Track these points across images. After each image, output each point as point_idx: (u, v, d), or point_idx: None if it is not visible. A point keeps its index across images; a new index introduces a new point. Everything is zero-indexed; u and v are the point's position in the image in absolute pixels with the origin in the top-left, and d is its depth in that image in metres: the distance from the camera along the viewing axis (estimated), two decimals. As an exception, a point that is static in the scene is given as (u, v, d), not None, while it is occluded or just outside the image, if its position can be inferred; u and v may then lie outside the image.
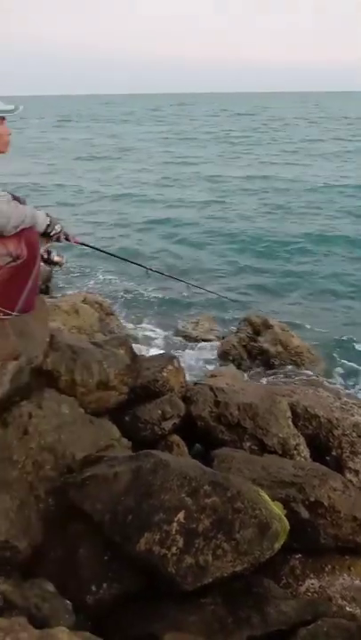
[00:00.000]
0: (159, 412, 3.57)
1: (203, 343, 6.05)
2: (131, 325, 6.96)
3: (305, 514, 2.73)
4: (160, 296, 8.26)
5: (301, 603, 2.23)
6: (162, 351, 6.02)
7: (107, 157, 27.56)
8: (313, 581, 2.64)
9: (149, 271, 4.04)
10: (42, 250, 2.83)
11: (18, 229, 2.49)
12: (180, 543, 2.22)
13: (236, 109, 77.16)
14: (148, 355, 5.42)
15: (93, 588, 2.30)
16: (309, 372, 5.29)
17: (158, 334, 6.72)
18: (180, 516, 2.28)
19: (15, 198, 2.96)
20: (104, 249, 4.05)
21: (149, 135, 38.18)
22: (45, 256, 2.89)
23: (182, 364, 4.38)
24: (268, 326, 5.53)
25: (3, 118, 2.61)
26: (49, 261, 2.93)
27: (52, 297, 6.84)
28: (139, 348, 5.53)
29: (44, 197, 16.72)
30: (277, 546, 2.28)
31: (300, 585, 2.61)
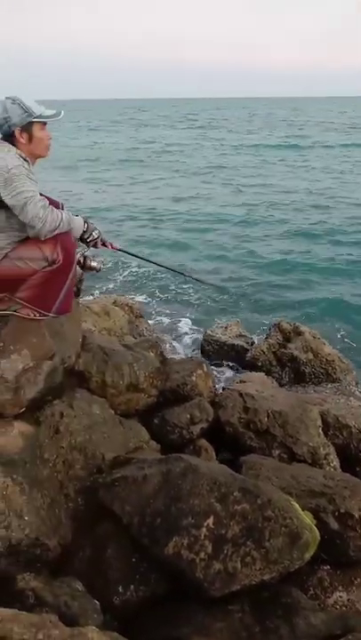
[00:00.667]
0: (188, 415, 3.57)
1: (232, 348, 6.02)
2: (160, 329, 6.99)
3: (334, 525, 2.68)
4: (190, 300, 8.27)
5: (331, 616, 2.19)
6: (191, 355, 6.03)
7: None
8: (341, 594, 2.59)
9: (187, 278, 4.03)
10: (78, 255, 2.86)
11: (53, 234, 2.52)
12: (209, 549, 2.21)
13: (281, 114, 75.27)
14: (177, 358, 5.43)
15: (120, 589, 2.31)
16: (340, 381, 5.21)
17: (187, 338, 6.73)
18: (210, 521, 2.27)
19: (52, 203, 3.02)
20: (141, 255, 4.07)
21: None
22: (82, 261, 2.92)
23: (211, 369, 4.38)
24: (298, 333, 5.47)
25: (44, 123, 2.66)
26: (85, 266, 2.96)
27: (82, 299, 6.92)
28: (168, 352, 5.55)
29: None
30: (308, 556, 2.25)
31: (328, 597, 2.57)
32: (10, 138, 2.59)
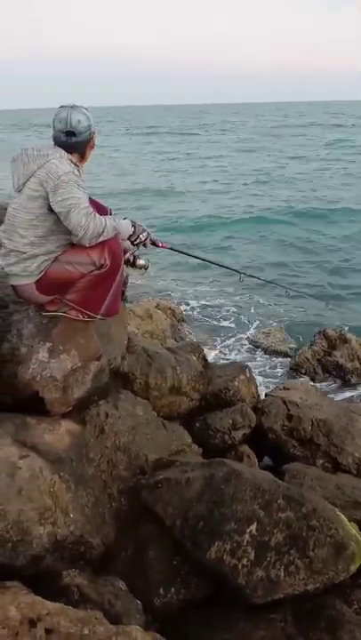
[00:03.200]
0: (230, 421, 3.56)
1: (275, 354, 5.96)
2: (202, 332, 6.99)
3: (380, 538, 2.61)
4: (232, 304, 8.22)
5: (377, 631, 2.12)
6: (234, 360, 6.01)
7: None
8: (386, 610, 2.51)
9: (243, 276, 3.99)
10: (127, 255, 2.91)
11: (97, 241, 2.56)
12: (252, 555, 2.20)
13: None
14: (219, 363, 5.42)
15: (161, 591, 2.32)
16: (387, 391, 5.08)
17: (230, 342, 6.71)
18: (253, 527, 2.25)
19: (100, 208, 3.07)
20: (191, 252, 4.07)
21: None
22: (131, 260, 2.97)
23: (254, 375, 4.34)
24: (344, 341, 5.36)
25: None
26: (134, 265, 3.01)
27: (126, 302, 7.01)
28: (210, 356, 5.55)
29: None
30: (353, 568, 2.20)
31: (374, 613, 2.50)
32: (77, 145, 2.64)
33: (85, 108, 2.62)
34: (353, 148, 35.09)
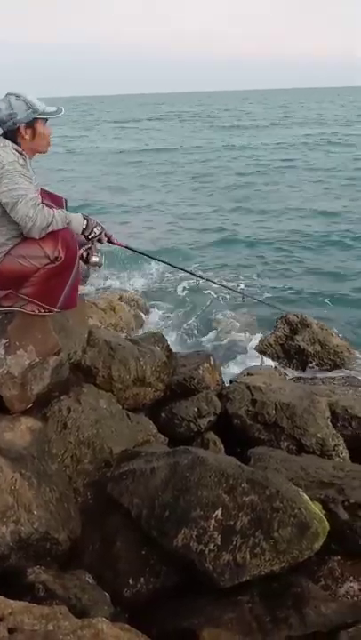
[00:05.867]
0: (195, 409, 3.57)
1: (238, 341, 6.02)
2: (166, 323, 6.99)
3: (344, 515, 2.67)
4: (197, 294, 8.24)
5: (343, 605, 2.18)
6: (198, 349, 6.03)
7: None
8: (352, 584, 2.58)
9: (199, 279, 4.05)
10: (81, 250, 2.86)
11: (44, 233, 2.51)
12: (218, 540, 2.22)
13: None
14: (183, 352, 5.43)
15: (131, 582, 2.32)
16: (349, 372, 5.19)
17: (194, 332, 6.73)
18: (218, 512, 2.27)
19: (54, 199, 3.01)
20: (147, 252, 4.06)
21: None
22: (85, 256, 2.92)
23: (218, 362, 4.38)
24: (305, 325, 5.45)
25: (46, 120, 2.66)
26: (87, 262, 2.97)
27: (88, 294, 6.94)
28: (174, 346, 5.56)
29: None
30: (317, 546, 2.25)
31: (340, 587, 2.56)
32: (11, 133, 2.60)
33: (17, 96, 2.55)
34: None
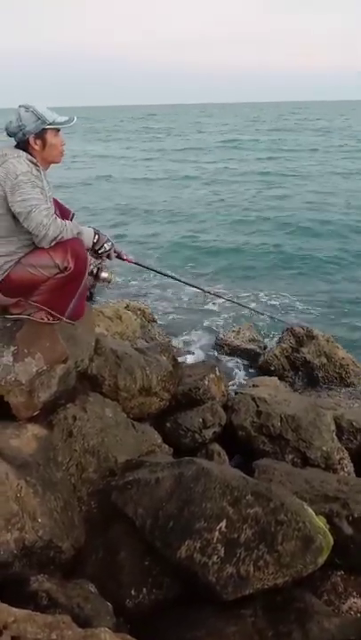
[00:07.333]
0: (200, 419, 3.57)
1: (244, 352, 6.01)
2: (172, 333, 7.00)
3: (348, 530, 2.66)
4: (203, 306, 8.26)
5: (346, 621, 2.16)
6: (203, 359, 6.03)
7: None
8: (356, 600, 2.56)
9: (208, 294, 4.09)
10: (92, 266, 2.88)
11: (54, 242, 2.54)
12: (222, 552, 2.21)
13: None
14: (189, 362, 5.44)
15: (133, 592, 2.32)
16: (355, 386, 5.17)
17: (199, 342, 6.73)
18: (222, 524, 2.27)
19: (63, 211, 3.04)
20: (156, 268, 4.09)
21: None
22: (95, 272, 2.94)
23: (223, 373, 4.37)
24: (311, 337, 5.44)
25: (57, 130, 2.70)
26: (97, 277, 2.98)
27: (95, 303, 6.96)
28: (180, 356, 5.56)
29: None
30: (321, 560, 2.24)
31: (343, 603, 2.54)
32: (24, 145, 2.64)
33: (26, 108, 2.60)
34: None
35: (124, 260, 3.11)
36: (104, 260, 2.91)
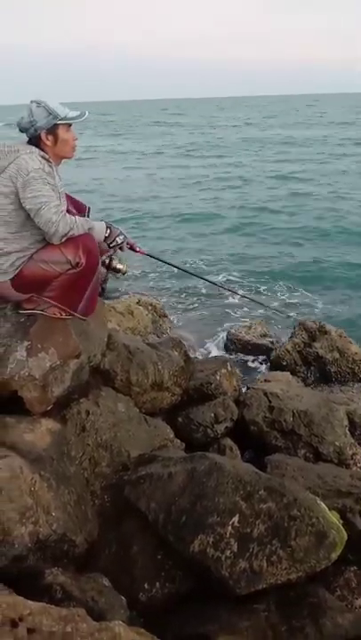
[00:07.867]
0: (212, 414, 3.57)
1: (256, 347, 5.99)
2: (184, 328, 7.00)
3: (361, 525, 2.65)
4: (216, 301, 8.24)
5: (359, 617, 2.16)
6: (215, 354, 6.03)
7: None
8: (369, 596, 2.56)
9: (220, 288, 4.08)
10: (104, 257, 2.89)
11: (64, 239, 2.54)
12: (235, 547, 2.21)
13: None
14: (201, 357, 5.44)
15: (146, 586, 2.33)
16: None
17: (211, 337, 6.72)
18: (235, 519, 2.27)
19: (78, 206, 3.05)
20: (169, 261, 4.08)
21: None
22: (107, 262, 2.94)
23: (235, 368, 4.37)
24: (324, 332, 5.40)
25: (69, 125, 2.69)
26: (111, 268, 2.99)
27: (107, 298, 6.97)
28: (192, 351, 5.56)
29: None
30: (334, 556, 2.23)
31: (356, 598, 2.54)
32: (36, 140, 2.64)
33: (38, 103, 2.60)
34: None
35: (136, 252, 3.11)
36: (116, 252, 2.92)
